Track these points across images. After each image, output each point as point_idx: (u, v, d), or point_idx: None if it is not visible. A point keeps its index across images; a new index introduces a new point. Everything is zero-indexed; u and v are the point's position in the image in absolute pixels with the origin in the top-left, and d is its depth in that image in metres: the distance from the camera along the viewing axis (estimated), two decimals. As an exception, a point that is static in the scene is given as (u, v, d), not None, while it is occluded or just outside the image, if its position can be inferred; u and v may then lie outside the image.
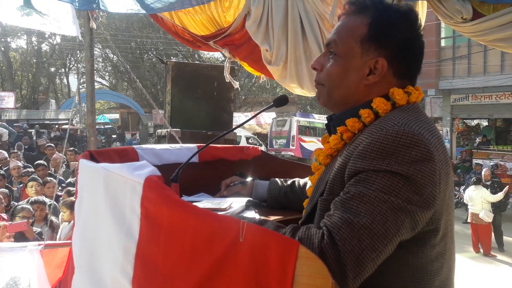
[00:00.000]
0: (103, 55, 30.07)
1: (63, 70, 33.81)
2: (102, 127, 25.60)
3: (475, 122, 18.65)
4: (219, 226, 0.83)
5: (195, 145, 1.86)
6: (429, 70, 15.69)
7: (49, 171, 7.35)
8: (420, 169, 0.90)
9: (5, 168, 7.59)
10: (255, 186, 1.63)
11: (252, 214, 1.48)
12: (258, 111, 1.72)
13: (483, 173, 9.48)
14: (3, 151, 9.04)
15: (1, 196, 4.89)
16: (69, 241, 1.42)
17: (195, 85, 4.37)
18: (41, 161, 7.55)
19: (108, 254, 1.02)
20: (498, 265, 7.93)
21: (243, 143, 17.66)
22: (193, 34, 3.28)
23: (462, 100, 16.39)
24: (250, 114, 22.18)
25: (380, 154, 0.91)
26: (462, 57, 15.80)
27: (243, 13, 3.06)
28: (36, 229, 4.19)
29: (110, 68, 31.49)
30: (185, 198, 1.65)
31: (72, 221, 3.99)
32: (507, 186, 5.12)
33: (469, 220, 8.54)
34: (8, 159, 8.31)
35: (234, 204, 1.51)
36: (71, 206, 4.39)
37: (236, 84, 3.79)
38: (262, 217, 1.37)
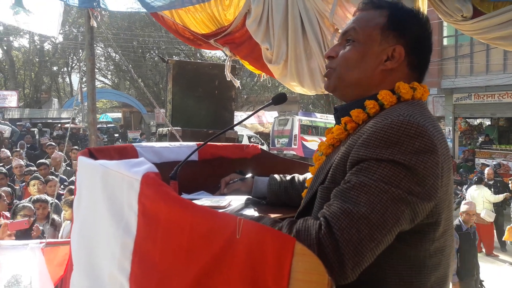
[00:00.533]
0: (106, 54, 30.12)
1: (65, 69, 33.88)
2: (105, 126, 25.60)
3: (478, 121, 18.61)
4: (216, 222, 0.83)
5: (194, 143, 1.86)
6: (432, 69, 15.62)
7: (51, 170, 7.38)
8: (423, 160, 0.90)
9: (8, 166, 7.63)
10: (255, 182, 1.63)
11: (251, 212, 1.48)
12: (257, 109, 1.72)
13: (486, 171, 9.45)
14: (6, 150, 9.08)
15: (4, 195, 4.92)
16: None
17: (196, 84, 4.37)
18: (43, 160, 7.59)
19: (106, 251, 1.03)
20: (500, 265, 7.91)
21: (245, 142, 17.64)
22: (194, 32, 3.28)
23: (464, 99, 16.34)
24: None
25: (384, 143, 0.92)
26: (465, 56, 15.75)
27: (243, 12, 3.06)
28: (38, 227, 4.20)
29: (112, 67, 31.54)
30: (185, 196, 1.65)
31: (73, 220, 4.00)
32: (508, 192, 5.08)
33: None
34: (11, 157, 8.35)
35: (233, 202, 1.51)
36: (73, 205, 4.40)
37: (237, 83, 3.79)
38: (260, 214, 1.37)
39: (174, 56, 26.61)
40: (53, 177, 6.22)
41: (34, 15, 3.57)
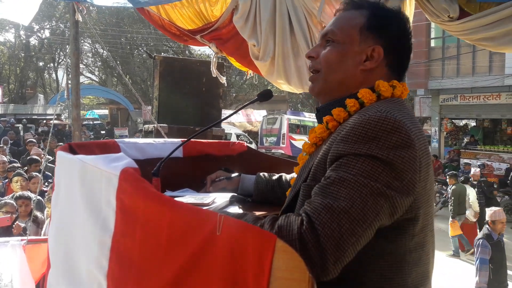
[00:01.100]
0: (93, 50, 29.75)
1: (52, 64, 33.36)
2: (91, 122, 25.30)
3: (463, 122, 18.87)
4: (195, 219, 0.82)
5: (179, 140, 1.84)
6: (419, 70, 15.80)
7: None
8: (400, 154, 0.91)
9: (-10, 163, 7.46)
10: (242, 179, 1.63)
11: (235, 209, 1.47)
12: (241, 106, 1.71)
13: (472, 173, 9.56)
14: (-12, 146, 8.90)
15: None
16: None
17: (183, 81, 4.33)
18: (36, 157, 7.42)
19: (83, 248, 1.00)
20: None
21: (233, 140, 17.62)
22: (180, 28, 3.25)
23: (450, 100, 16.56)
24: (241, 112, 22.13)
25: (362, 138, 0.93)
26: (452, 57, 15.95)
27: (230, 8, 3.03)
28: (21, 224, 4.13)
29: (100, 63, 31.17)
30: (169, 193, 1.63)
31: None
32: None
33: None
34: (-7, 154, 8.18)
35: (218, 199, 1.49)
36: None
37: (223, 80, 3.77)
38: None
39: (162, 53, 26.41)
40: (37, 173, 6.10)
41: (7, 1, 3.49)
